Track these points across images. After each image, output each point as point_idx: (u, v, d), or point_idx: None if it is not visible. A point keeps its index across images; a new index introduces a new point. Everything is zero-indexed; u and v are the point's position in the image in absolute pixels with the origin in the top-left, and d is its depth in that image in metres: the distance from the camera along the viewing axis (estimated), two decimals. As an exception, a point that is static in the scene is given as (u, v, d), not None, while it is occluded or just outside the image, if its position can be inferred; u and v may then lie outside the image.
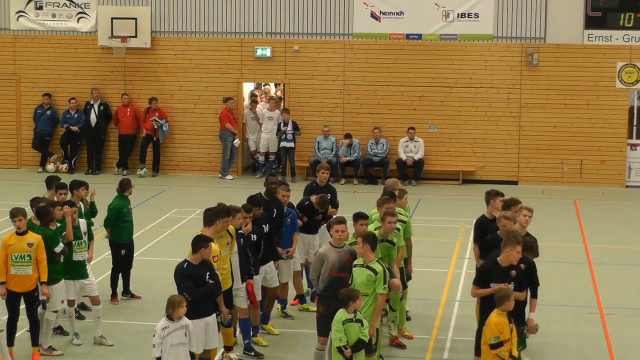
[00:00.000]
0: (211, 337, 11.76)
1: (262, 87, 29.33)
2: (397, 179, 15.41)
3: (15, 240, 12.67)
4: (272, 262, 13.92)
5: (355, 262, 11.90)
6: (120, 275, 15.63)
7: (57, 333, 13.80)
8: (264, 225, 13.75)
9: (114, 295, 15.49)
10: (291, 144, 25.75)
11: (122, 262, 15.54)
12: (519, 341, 11.85)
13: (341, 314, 11.17)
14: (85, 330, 13.90)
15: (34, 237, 12.72)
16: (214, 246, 11.96)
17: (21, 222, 12.72)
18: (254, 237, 13.34)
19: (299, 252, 15.02)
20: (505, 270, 11.60)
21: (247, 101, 27.39)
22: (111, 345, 13.57)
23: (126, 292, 15.69)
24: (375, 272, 11.68)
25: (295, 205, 15.09)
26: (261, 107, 27.11)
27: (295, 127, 25.75)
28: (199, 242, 11.62)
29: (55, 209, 13.35)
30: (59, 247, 13.14)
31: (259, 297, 13.48)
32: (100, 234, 16.24)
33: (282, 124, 25.74)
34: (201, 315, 11.51)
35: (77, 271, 13.64)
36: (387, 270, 11.85)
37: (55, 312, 13.22)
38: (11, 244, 12.64)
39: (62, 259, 13.30)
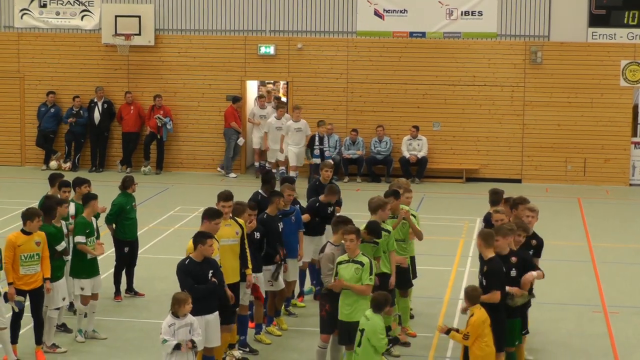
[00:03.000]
0: (212, 335, 11.75)
1: (266, 86, 29.24)
2: (406, 180, 15.34)
3: (24, 240, 12.58)
4: (281, 263, 13.89)
5: (340, 259, 11.86)
6: (124, 272, 15.64)
7: (60, 330, 13.81)
8: (279, 224, 13.74)
9: (117, 292, 15.50)
10: (318, 159, 23.25)
11: (125, 260, 15.55)
12: (516, 335, 11.85)
13: (380, 321, 11.09)
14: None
15: (40, 236, 12.71)
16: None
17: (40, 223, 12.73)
18: (257, 235, 13.33)
19: (306, 252, 14.96)
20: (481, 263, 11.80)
21: (252, 103, 27.08)
22: (104, 338, 13.60)
23: (130, 289, 15.70)
24: (362, 264, 11.73)
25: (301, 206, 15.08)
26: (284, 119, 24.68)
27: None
28: (196, 239, 11.64)
29: (60, 206, 13.39)
30: (61, 246, 13.16)
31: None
32: (105, 231, 16.25)
33: (316, 139, 23.48)
34: (202, 312, 11.48)
35: (95, 268, 13.72)
36: (373, 262, 11.95)
37: (58, 309, 13.24)
38: (20, 244, 12.54)
39: (65, 258, 13.32)
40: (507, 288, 11.65)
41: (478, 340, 11.16)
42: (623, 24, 25.37)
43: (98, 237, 14.40)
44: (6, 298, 12.53)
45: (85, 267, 13.63)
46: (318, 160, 23.02)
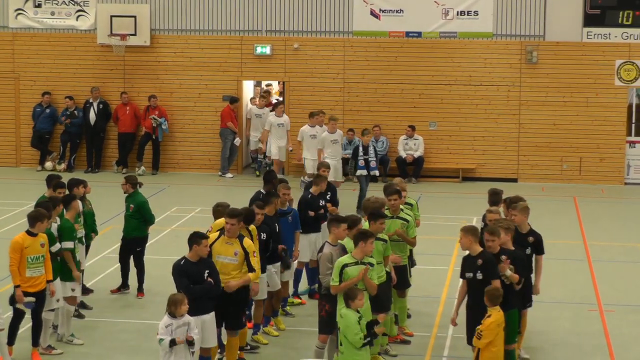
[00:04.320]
0: (209, 335, 11.74)
1: (263, 86, 29.16)
2: (401, 179, 15.39)
3: (30, 242, 12.50)
4: (278, 263, 13.90)
5: (344, 261, 11.69)
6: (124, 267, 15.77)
7: (56, 332, 13.77)
8: (276, 224, 13.76)
9: (119, 286, 15.68)
10: (375, 172, 21.75)
11: (121, 252, 15.68)
12: (515, 330, 11.91)
13: (354, 316, 11.11)
14: (84, 329, 13.88)
15: (43, 237, 12.67)
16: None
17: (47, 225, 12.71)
18: (263, 235, 13.31)
19: (303, 251, 14.99)
20: (473, 258, 11.86)
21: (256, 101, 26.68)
22: (81, 344, 13.55)
23: (138, 288, 15.76)
24: (372, 265, 11.80)
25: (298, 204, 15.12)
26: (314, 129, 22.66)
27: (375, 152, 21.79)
28: (191, 239, 11.66)
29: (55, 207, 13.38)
30: (55, 247, 13.12)
31: (264, 296, 13.48)
32: (107, 228, 16.25)
33: (360, 149, 21.45)
34: (198, 312, 11.47)
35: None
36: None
37: (52, 310, 13.21)
38: (27, 246, 12.45)
39: (58, 259, 13.30)
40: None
41: (490, 343, 11.21)
42: (617, 23, 25.40)
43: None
44: (12, 300, 12.49)
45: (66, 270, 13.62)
46: (364, 172, 21.43)
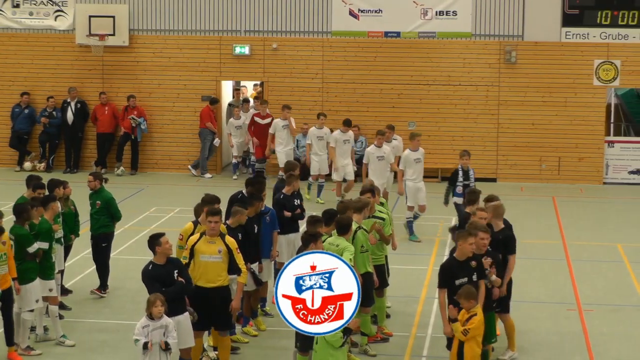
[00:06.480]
0: (185, 335, 11.69)
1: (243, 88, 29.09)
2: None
3: None
4: (257, 263, 13.88)
5: None
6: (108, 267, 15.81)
7: (35, 333, 13.69)
8: (255, 225, 13.72)
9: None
10: (461, 199, 17.73)
11: (93, 254, 15.75)
12: (493, 331, 11.94)
13: None
14: (63, 330, 13.80)
15: (4, 236, 12.61)
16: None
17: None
18: (239, 236, 13.27)
19: (282, 252, 14.95)
20: (464, 263, 11.71)
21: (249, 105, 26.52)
22: (73, 345, 13.47)
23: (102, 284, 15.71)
24: None
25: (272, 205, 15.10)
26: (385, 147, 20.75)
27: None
28: (151, 243, 11.61)
29: (32, 208, 13.30)
30: (33, 248, 13.04)
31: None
32: (85, 229, 16.19)
33: (460, 173, 18.57)
34: (172, 314, 11.41)
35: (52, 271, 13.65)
36: None
37: (31, 311, 13.13)
38: None
39: (37, 260, 13.21)
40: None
41: (472, 340, 11.26)
42: (596, 23, 25.53)
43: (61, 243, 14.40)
44: None
45: (51, 267, 13.58)
46: (460, 200, 17.95)
